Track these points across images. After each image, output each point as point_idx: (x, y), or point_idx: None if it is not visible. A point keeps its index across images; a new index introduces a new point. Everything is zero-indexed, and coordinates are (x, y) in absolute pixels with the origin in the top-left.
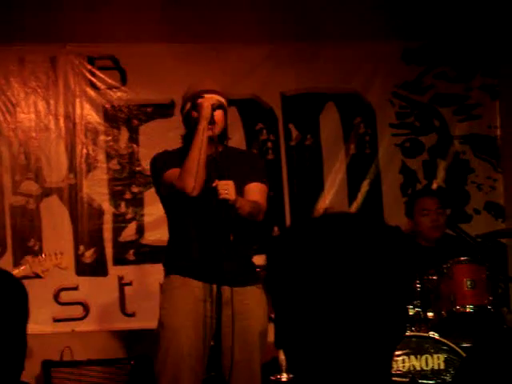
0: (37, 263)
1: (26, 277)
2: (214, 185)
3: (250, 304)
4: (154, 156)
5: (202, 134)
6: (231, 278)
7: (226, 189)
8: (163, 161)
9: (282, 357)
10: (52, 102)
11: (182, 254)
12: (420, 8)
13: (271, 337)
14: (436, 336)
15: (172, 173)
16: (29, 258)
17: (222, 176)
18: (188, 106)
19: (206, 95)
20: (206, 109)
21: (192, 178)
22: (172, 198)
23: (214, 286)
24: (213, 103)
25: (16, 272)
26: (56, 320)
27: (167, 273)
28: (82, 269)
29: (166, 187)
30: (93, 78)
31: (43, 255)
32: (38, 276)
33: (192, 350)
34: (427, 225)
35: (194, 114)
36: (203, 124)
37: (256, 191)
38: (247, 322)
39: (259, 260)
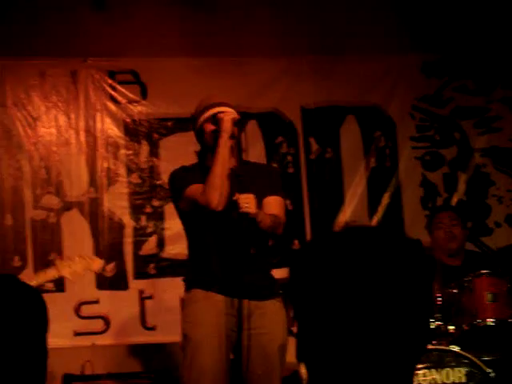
0: (65, 266)
1: (48, 290)
2: (234, 198)
3: (270, 317)
4: (172, 172)
5: (224, 148)
6: (252, 292)
7: (247, 202)
8: (183, 177)
9: (302, 370)
10: (73, 116)
11: (204, 268)
12: (440, 21)
13: (291, 350)
14: (457, 349)
15: (194, 188)
16: (57, 260)
17: (242, 189)
18: (201, 119)
19: (223, 108)
20: (227, 123)
21: (217, 192)
22: (193, 214)
23: (236, 300)
24: (233, 117)
25: (42, 275)
26: (77, 334)
27: (188, 287)
28: (103, 283)
29: (188, 203)
30: (113, 92)
31: (76, 258)
32: (60, 288)
33: (215, 363)
34: (442, 236)
35: (209, 126)
36: (225, 138)
37: (275, 204)
38: (267, 336)
39: (279, 273)
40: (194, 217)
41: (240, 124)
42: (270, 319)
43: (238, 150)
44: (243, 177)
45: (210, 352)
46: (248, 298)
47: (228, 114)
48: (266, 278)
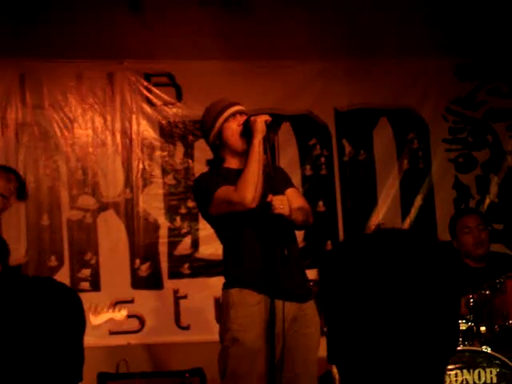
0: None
1: (84, 290)
2: (268, 199)
3: (311, 319)
4: (197, 179)
5: (259, 147)
6: (296, 294)
7: (282, 204)
8: (210, 180)
9: (335, 370)
10: (109, 117)
11: (252, 268)
12: (473, 24)
13: (323, 350)
14: (489, 350)
15: (224, 189)
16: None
17: (274, 190)
18: (221, 120)
19: (240, 107)
20: (260, 123)
21: (252, 188)
22: (224, 217)
23: (280, 302)
24: (266, 119)
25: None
26: (112, 333)
27: (236, 285)
28: (138, 282)
29: (219, 206)
30: (149, 95)
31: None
32: (96, 287)
33: (263, 369)
34: (470, 242)
35: (232, 126)
36: (259, 138)
37: (296, 196)
38: (309, 336)
39: (312, 274)
40: (226, 220)
41: (272, 126)
42: (311, 321)
43: (270, 152)
44: (274, 178)
45: (262, 361)
46: (293, 300)
47: (259, 117)
48: (304, 279)
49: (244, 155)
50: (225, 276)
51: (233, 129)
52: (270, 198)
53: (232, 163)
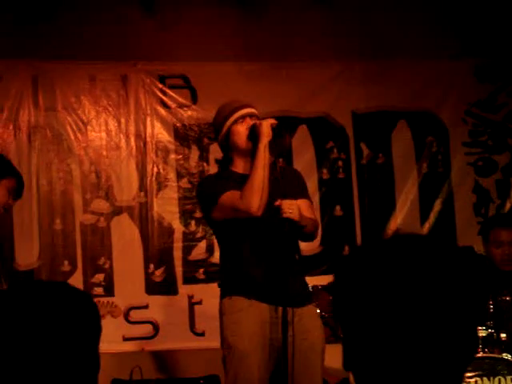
0: None
1: (98, 295)
2: (277, 204)
3: (310, 323)
4: (200, 183)
5: (265, 152)
6: (294, 299)
7: (291, 208)
8: (215, 185)
9: (351, 377)
10: (123, 120)
11: (244, 275)
12: (492, 25)
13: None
14: (509, 357)
15: (230, 195)
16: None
17: (282, 195)
18: (229, 123)
19: (250, 110)
20: (266, 127)
21: (257, 196)
22: (228, 222)
23: (279, 308)
24: (272, 123)
25: None
26: (126, 339)
27: (228, 294)
28: (152, 287)
29: (223, 211)
30: (163, 97)
31: None
32: (110, 293)
33: (262, 375)
34: (499, 257)
35: (240, 128)
36: (264, 141)
37: (307, 208)
38: (310, 341)
39: (330, 279)
40: (229, 225)
41: (283, 130)
42: (311, 324)
43: (281, 155)
44: (281, 181)
45: (256, 364)
46: (291, 305)
47: (266, 120)
48: (303, 283)
49: (251, 157)
50: (219, 287)
51: (240, 132)
52: (278, 201)
53: (239, 166)
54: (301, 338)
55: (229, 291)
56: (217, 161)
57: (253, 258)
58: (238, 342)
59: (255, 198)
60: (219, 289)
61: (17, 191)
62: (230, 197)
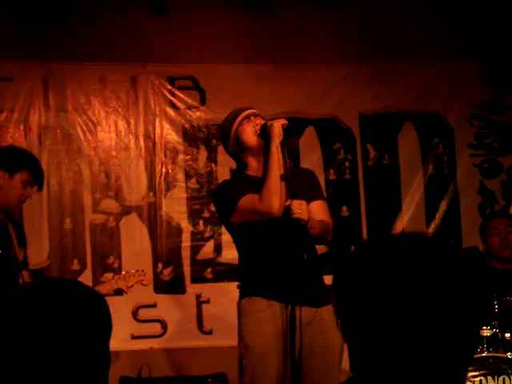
0: (122, 279)
1: (106, 294)
2: (287, 204)
3: (328, 324)
4: (216, 190)
5: (277, 153)
6: (311, 299)
7: (300, 208)
8: (231, 190)
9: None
10: (132, 121)
11: (261, 276)
12: (498, 28)
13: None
14: None
15: (248, 198)
16: (109, 275)
17: (293, 195)
18: (235, 125)
19: (254, 111)
20: (277, 128)
21: (277, 197)
22: (246, 225)
23: (296, 308)
24: (283, 123)
25: (101, 288)
26: (134, 337)
27: (247, 294)
28: (161, 286)
29: (243, 215)
30: (172, 98)
31: (126, 272)
32: (120, 292)
33: (279, 374)
34: (497, 243)
35: (248, 128)
36: (276, 142)
37: (321, 210)
38: (328, 342)
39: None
40: (248, 228)
41: (292, 130)
42: (328, 326)
43: (290, 156)
44: (292, 182)
45: (274, 363)
46: (307, 305)
47: (276, 121)
48: (321, 284)
49: (264, 158)
50: (239, 288)
51: (248, 130)
52: (288, 202)
53: (253, 168)
54: (322, 338)
55: (248, 292)
56: (231, 171)
57: (269, 259)
58: (256, 342)
59: (275, 198)
60: (238, 290)
61: (35, 179)
62: (248, 200)
